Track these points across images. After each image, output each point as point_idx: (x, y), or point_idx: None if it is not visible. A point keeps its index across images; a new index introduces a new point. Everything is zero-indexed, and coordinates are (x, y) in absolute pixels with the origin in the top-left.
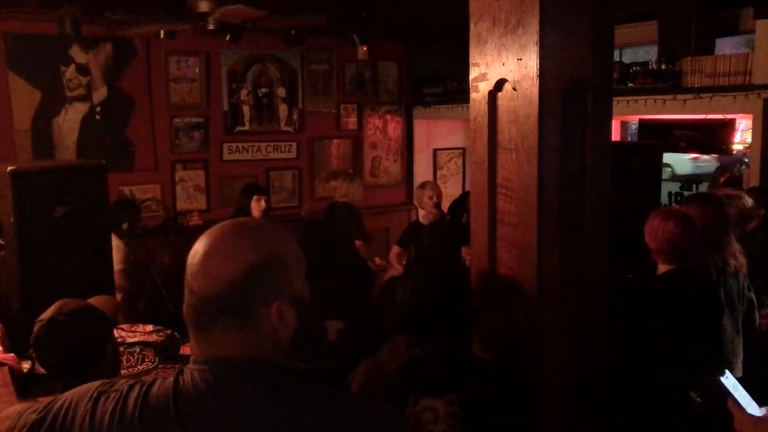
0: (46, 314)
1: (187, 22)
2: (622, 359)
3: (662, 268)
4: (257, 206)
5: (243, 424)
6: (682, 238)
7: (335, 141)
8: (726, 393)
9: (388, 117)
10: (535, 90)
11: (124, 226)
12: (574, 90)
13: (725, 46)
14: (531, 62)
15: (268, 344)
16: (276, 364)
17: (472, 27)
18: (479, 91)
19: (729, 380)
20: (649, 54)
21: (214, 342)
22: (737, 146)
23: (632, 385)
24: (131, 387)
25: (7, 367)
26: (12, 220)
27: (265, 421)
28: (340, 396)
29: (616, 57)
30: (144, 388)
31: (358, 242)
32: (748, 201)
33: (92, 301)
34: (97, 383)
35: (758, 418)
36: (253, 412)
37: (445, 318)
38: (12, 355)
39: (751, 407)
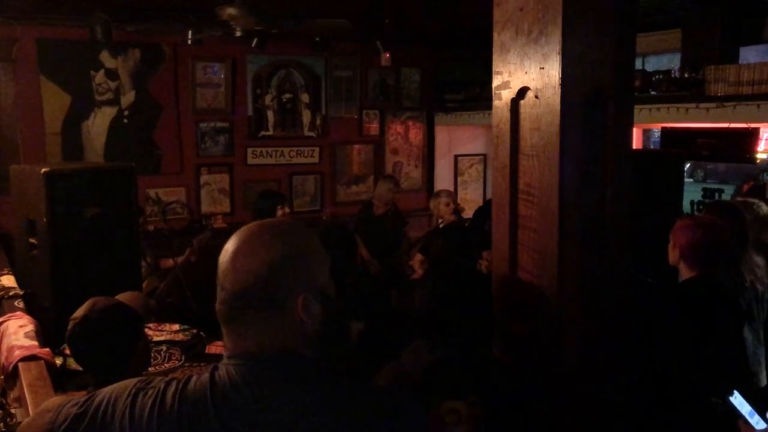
0: (79, 312)
1: (216, 29)
2: (643, 363)
3: (685, 274)
4: (282, 214)
5: (279, 416)
6: (709, 245)
7: (357, 146)
8: (735, 412)
9: (410, 123)
10: (557, 98)
11: (148, 259)
12: (596, 98)
13: (749, 54)
14: (553, 71)
15: (297, 337)
16: (306, 357)
17: (495, 36)
18: (502, 98)
19: (737, 399)
20: (672, 62)
21: (245, 336)
22: (761, 155)
23: (653, 389)
24: (168, 383)
25: (43, 361)
26: (45, 220)
27: (299, 411)
28: (373, 388)
29: (639, 65)
30: (181, 384)
31: None
32: (764, 208)
33: (122, 297)
34: (134, 380)
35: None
36: (287, 403)
37: (466, 321)
38: (47, 349)
39: (760, 425)
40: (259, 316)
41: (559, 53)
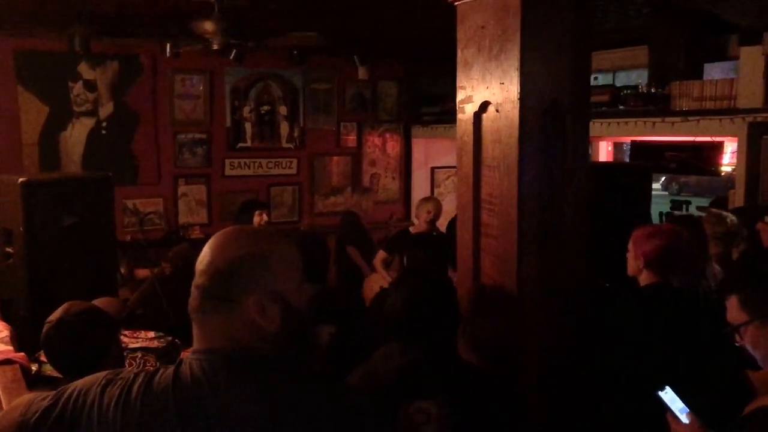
0: (55, 315)
1: (194, 42)
2: (599, 363)
3: (644, 280)
4: (259, 220)
5: (233, 409)
6: (673, 251)
7: (335, 158)
8: (665, 407)
9: (387, 135)
10: (516, 112)
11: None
12: (553, 111)
13: (715, 71)
14: (512, 86)
15: (253, 336)
16: (264, 354)
17: (459, 53)
18: (465, 112)
19: (667, 394)
20: (641, 78)
21: (206, 330)
22: (725, 168)
23: (606, 387)
24: (137, 375)
25: (18, 365)
26: (21, 229)
27: (251, 407)
28: (327, 385)
29: (609, 80)
30: (148, 376)
31: (349, 248)
32: (731, 219)
33: (97, 302)
34: (104, 372)
35: (686, 425)
36: (241, 397)
37: (438, 324)
38: (23, 354)
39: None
40: (215, 309)
41: (517, 69)
